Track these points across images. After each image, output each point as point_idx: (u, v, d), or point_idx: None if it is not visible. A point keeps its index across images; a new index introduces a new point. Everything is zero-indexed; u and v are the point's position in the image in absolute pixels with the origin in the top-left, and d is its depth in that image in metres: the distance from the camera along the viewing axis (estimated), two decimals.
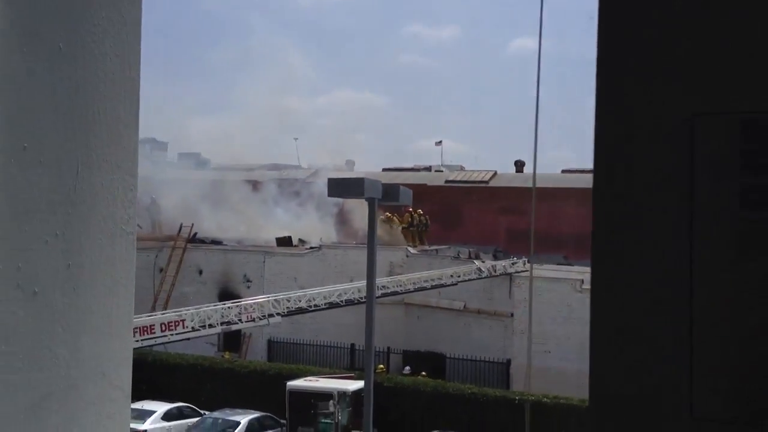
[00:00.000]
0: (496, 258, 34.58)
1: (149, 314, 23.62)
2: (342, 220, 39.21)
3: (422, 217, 38.37)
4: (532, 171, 47.02)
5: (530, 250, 24.03)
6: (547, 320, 25.73)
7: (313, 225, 39.23)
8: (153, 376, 25.52)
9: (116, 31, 1.68)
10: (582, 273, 27.92)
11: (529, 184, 42.66)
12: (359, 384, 18.42)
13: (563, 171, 45.40)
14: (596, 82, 0.87)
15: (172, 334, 21.41)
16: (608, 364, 0.83)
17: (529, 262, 24.53)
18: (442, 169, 51.35)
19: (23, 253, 1.44)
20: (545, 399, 21.38)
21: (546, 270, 29.48)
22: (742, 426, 0.77)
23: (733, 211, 0.78)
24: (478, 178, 45.15)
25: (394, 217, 37.39)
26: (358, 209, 36.96)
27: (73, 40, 1.57)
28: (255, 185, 40.87)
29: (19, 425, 1.42)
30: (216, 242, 35.89)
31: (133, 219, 1.74)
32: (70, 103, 1.56)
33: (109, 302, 1.64)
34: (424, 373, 26.73)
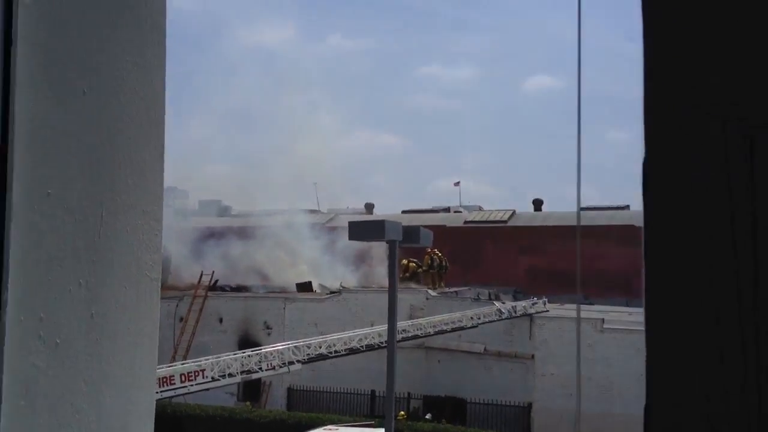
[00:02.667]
0: (516, 299, 34.28)
1: (169, 365, 23.50)
2: (363, 264, 39.13)
3: (441, 259, 38.23)
4: (549, 209, 46.78)
5: (577, 289, 23.76)
6: (568, 361, 25.34)
7: (333, 270, 39.16)
8: (172, 428, 25.31)
9: (140, 74, 1.66)
10: (602, 312, 27.57)
11: (548, 223, 42.55)
12: None
13: (582, 209, 45.19)
14: (644, 99, 0.82)
15: (191, 385, 21.27)
16: (671, 401, 0.77)
17: (576, 302, 24.10)
18: (461, 209, 51.33)
19: (46, 303, 1.39)
20: None
21: (566, 310, 29.15)
22: None
23: None
24: (497, 218, 45.03)
25: (410, 263, 37.25)
26: (377, 253, 36.94)
27: (97, 83, 1.54)
28: (276, 230, 40.96)
29: None
30: (236, 289, 35.87)
31: (158, 265, 1.69)
32: (95, 147, 1.53)
33: (132, 353, 1.59)
34: (444, 419, 26.31)
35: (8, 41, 1.35)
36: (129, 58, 1.62)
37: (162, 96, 1.71)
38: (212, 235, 41.42)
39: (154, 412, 1.67)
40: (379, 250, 35.51)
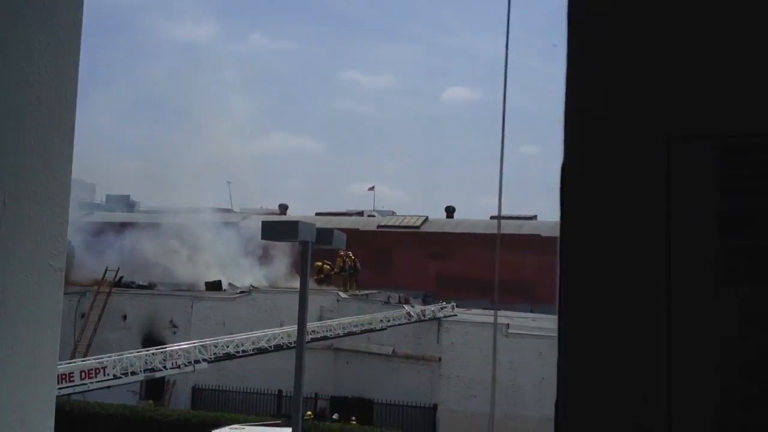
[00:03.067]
0: (426, 303, 34.67)
1: (68, 361, 22.66)
2: (272, 264, 38.78)
3: (354, 261, 38.30)
4: (462, 217, 47.54)
5: (495, 296, 24.10)
6: (473, 365, 25.83)
7: (243, 269, 38.64)
8: (71, 426, 24.40)
9: (53, 58, 1.60)
10: (508, 318, 28.21)
11: (459, 230, 43.23)
12: (287, 431, 17.98)
13: (492, 217, 46.16)
14: (565, 107, 0.84)
15: (92, 382, 20.59)
16: (581, 406, 0.79)
17: (492, 308, 24.47)
18: (375, 214, 51.54)
19: None
20: None
21: (474, 315, 29.69)
22: None
23: (712, 239, 0.76)
24: (410, 223, 45.43)
25: (325, 263, 37.19)
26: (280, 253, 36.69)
27: (6, 62, 1.48)
28: (184, 228, 40.07)
29: None
30: (142, 287, 34.89)
31: (62, 254, 1.64)
32: (1, 132, 1.47)
33: (32, 344, 1.53)
34: (354, 418, 26.37)
35: None
36: (41, 36, 1.56)
37: (75, 79, 1.66)
38: (118, 230, 40.23)
39: (54, 405, 1.62)
40: (287, 250, 35.28)
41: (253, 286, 34.53)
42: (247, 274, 37.94)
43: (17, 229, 1.50)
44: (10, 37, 1.47)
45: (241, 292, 33.43)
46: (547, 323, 26.91)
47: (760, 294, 0.74)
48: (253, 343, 24.74)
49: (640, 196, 0.79)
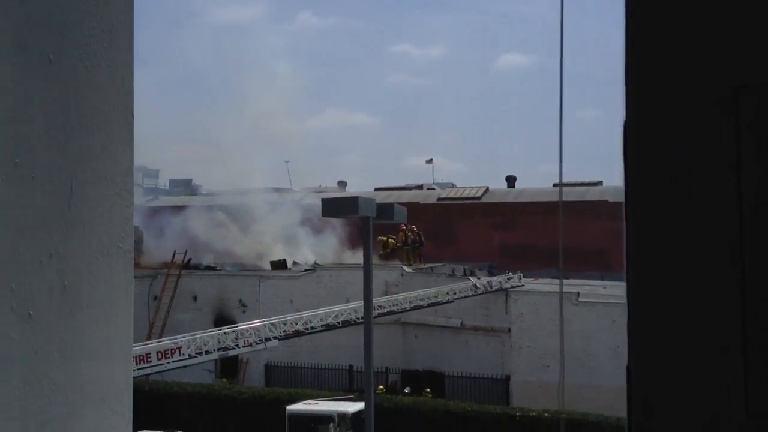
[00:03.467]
0: (491, 274, 34.51)
1: (145, 343, 23.40)
2: (336, 241, 39.14)
3: (418, 235, 38.36)
4: (522, 186, 47.02)
5: (560, 264, 23.87)
6: (544, 335, 25.63)
7: (307, 247, 39.13)
8: (151, 405, 25.24)
9: (108, 43, 1.62)
10: (577, 286, 27.85)
11: (521, 199, 42.73)
12: (359, 405, 18.23)
13: (554, 185, 45.51)
14: (625, 63, 0.81)
15: (168, 362, 21.22)
16: (652, 363, 0.77)
17: (559, 276, 24.24)
18: (434, 187, 51.36)
19: (17, 274, 1.36)
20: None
21: (541, 284, 29.41)
22: None
23: None
24: (470, 195, 45.15)
25: (389, 238, 37.34)
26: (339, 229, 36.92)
27: (64, 51, 1.51)
28: (244, 208, 40.74)
29: None
30: (209, 268, 35.71)
31: (130, 237, 1.67)
32: (63, 117, 1.50)
33: (107, 324, 1.57)
34: (428, 389, 26.57)
35: None
36: (95, 24, 1.58)
37: (130, 64, 1.68)
38: (183, 213, 41.15)
39: (131, 382, 1.66)
40: (346, 226, 35.49)
41: (317, 264, 34.94)
42: (310, 252, 38.40)
43: (86, 213, 1.53)
44: (64, 27, 1.50)
45: (305, 270, 33.87)
46: (619, 290, 26.46)
47: None
48: (321, 319, 25.07)
49: (709, 151, 0.76)
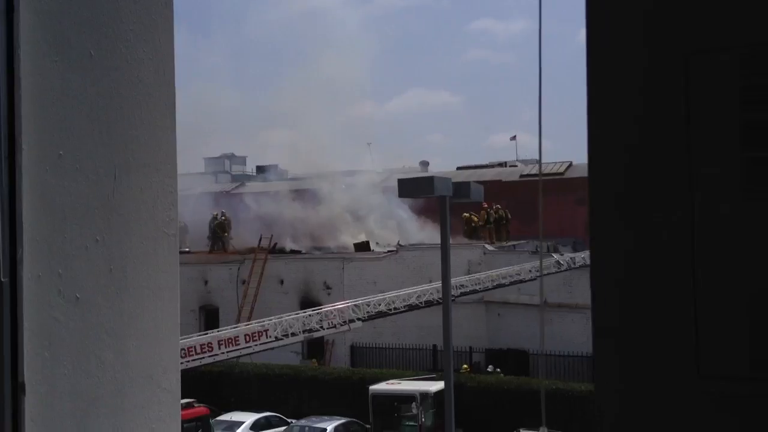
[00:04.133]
0: (576, 249, 33.90)
1: (233, 326, 24.12)
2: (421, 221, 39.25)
3: (503, 212, 38.09)
4: None
5: (539, 234, 23.36)
6: None
7: (390, 228, 39.35)
8: (240, 387, 26.05)
9: (148, 35, 1.69)
10: None
11: None
12: (441, 385, 18.32)
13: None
14: (586, 26, 0.82)
15: (256, 345, 21.82)
16: (611, 322, 0.79)
17: None
18: (517, 164, 50.74)
19: (63, 260, 1.44)
20: None
21: None
22: (750, 382, 0.72)
23: (734, 151, 0.73)
24: (554, 170, 44.38)
25: (472, 216, 37.22)
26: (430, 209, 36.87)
27: (104, 45, 1.58)
28: (329, 192, 41.27)
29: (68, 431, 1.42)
30: (295, 252, 36.40)
31: (175, 221, 1.74)
32: (105, 108, 1.57)
33: (154, 305, 1.65)
34: (497, 369, 26.52)
35: (10, 5, 1.40)
36: (135, 19, 1.65)
37: (171, 54, 1.74)
38: (269, 198, 41.98)
39: (179, 362, 1.74)
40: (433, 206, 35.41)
41: (400, 244, 35.12)
42: (393, 233, 38.59)
43: (129, 200, 1.60)
44: (104, 22, 1.57)
45: (388, 251, 34.09)
46: None
47: None
48: (403, 300, 25.25)
49: (660, 116, 0.77)
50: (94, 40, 1.56)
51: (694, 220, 0.74)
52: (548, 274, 27.92)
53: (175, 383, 1.67)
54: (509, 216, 38.29)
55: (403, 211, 39.35)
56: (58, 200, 1.45)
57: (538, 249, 25.08)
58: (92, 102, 1.55)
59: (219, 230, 36.76)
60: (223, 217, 37.26)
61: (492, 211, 37.86)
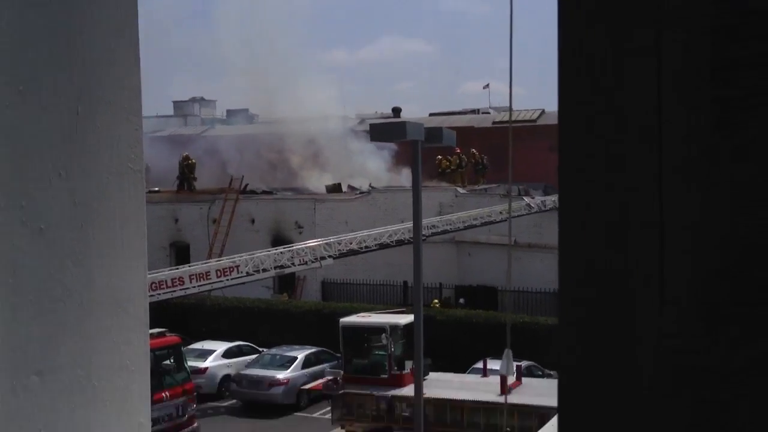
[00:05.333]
0: (547, 194, 34.24)
1: (204, 261, 24.18)
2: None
3: (480, 158, 38.41)
4: None
5: (509, 182, 23.43)
6: None
7: (362, 172, 39.27)
8: (212, 319, 26.33)
9: None
10: None
11: None
12: (411, 318, 18.62)
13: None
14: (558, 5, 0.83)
15: (227, 279, 21.94)
16: (575, 241, 0.80)
17: None
18: (490, 111, 50.63)
19: (26, 192, 1.47)
20: None
21: None
22: (713, 309, 0.74)
23: (706, 130, 0.74)
24: (526, 117, 44.39)
25: (444, 160, 37.35)
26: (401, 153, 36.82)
27: None
28: (299, 135, 40.93)
29: (35, 353, 1.49)
30: (267, 192, 36.28)
31: (140, 158, 1.78)
32: (67, 44, 1.58)
33: (120, 236, 1.69)
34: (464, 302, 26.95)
35: None
36: None
37: None
38: (239, 142, 41.59)
39: (146, 290, 1.80)
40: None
41: (372, 187, 35.13)
42: (362, 176, 38.55)
43: (92, 135, 1.64)
44: None
45: (360, 193, 34.11)
46: None
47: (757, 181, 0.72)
48: (375, 239, 25.42)
49: (631, 91, 0.77)
50: None
51: (661, 160, 0.75)
52: (518, 216, 28.23)
53: (143, 311, 1.74)
54: (486, 162, 38.49)
55: (377, 156, 39.27)
56: (19, 135, 1.48)
57: (508, 192, 25.27)
58: (53, 37, 1.56)
59: (188, 171, 36.64)
60: (190, 160, 37.14)
61: (464, 157, 38.04)
